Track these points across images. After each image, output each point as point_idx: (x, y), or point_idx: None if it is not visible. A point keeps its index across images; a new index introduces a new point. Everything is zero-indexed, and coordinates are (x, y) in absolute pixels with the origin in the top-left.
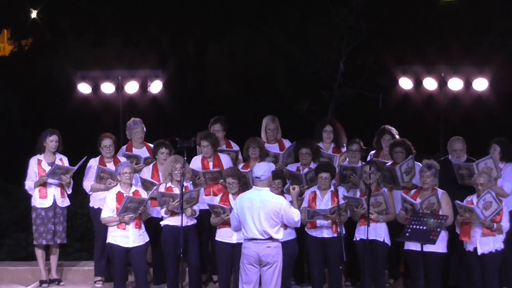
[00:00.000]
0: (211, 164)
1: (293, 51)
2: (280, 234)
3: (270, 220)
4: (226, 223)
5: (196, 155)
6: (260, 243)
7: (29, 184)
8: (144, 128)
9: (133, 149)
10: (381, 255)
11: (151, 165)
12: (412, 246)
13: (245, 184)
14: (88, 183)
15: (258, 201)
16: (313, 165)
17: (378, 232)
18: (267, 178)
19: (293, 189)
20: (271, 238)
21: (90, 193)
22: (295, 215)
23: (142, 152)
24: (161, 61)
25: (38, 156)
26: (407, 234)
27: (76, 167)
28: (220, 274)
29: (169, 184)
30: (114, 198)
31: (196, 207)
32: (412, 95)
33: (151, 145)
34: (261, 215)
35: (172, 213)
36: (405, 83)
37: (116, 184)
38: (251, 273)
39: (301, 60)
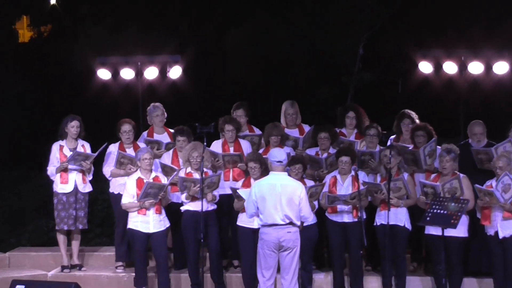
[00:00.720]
0: (231, 149)
1: (313, 36)
2: (299, 220)
3: (291, 204)
4: None
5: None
6: (281, 229)
7: (50, 169)
8: (165, 112)
9: (154, 134)
10: (402, 240)
11: (171, 151)
12: (433, 230)
13: (266, 169)
14: (108, 169)
15: (278, 185)
16: (332, 150)
17: (399, 217)
18: (287, 162)
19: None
20: (291, 223)
21: (110, 178)
22: (309, 208)
23: (163, 137)
24: (181, 46)
25: (60, 142)
26: (428, 219)
27: (96, 154)
28: (243, 259)
29: (188, 170)
30: (134, 184)
31: (216, 192)
32: (431, 79)
33: (172, 131)
34: (283, 200)
35: (192, 198)
36: (425, 67)
37: (136, 170)
38: (271, 259)
39: (321, 44)
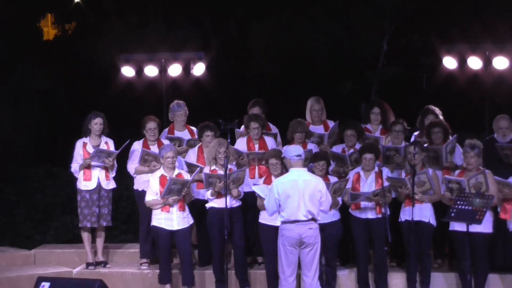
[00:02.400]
0: (256, 146)
1: (336, 31)
2: (319, 215)
3: (313, 199)
4: None
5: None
6: (303, 225)
7: (74, 166)
8: (187, 111)
9: (175, 131)
10: (426, 236)
11: (196, 148)
12: (458, 226)
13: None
14: (132, 166)
15: (301, 181)
16: (358, 146)
17: (423, 212)
18: (305, 157)
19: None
20: (313, 219)
21: (134, 175)
22: (329, 202)
23: (184, 134)
24: (204, 43)
25: (84, 139)
26: (453, 215)
27: (118, 151)
28: (266, 257)
29: (213, 167)
30: (157, 181)
31: (240, 188)
32: (456, 74)
33: (193, 128)
34: (306, 196)
35: (217, 195)
36: (449, 62)
37: (160, 167)
38: (292, 255)
39: (344, 39)
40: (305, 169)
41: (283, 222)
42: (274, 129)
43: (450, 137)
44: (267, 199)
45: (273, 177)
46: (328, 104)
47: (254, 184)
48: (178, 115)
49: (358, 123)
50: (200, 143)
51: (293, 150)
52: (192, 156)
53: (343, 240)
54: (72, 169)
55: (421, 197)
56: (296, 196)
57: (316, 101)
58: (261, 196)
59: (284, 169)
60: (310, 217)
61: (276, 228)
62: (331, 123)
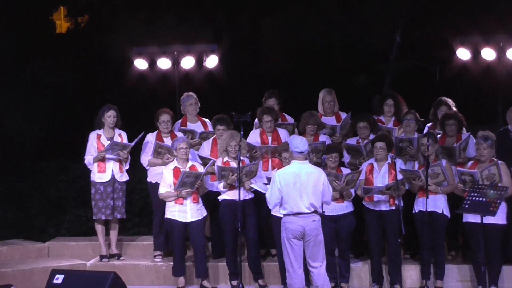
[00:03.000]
0: (270, 139)
1: (348, 24)
2: (321, 208)
3: (316, 191)
4: None
5: (252, 129)
6: (305, 217)
7: (88, 158)
8: (198, 101)
9: (188, 123)
10: (440, 227)
11: (210, 140)
12: (471, 218)
13: None
14: (145, 158)
15: (303, 174)
16: (372, 137)
17: (437, 204)
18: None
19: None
20: (315, 212)
21: (147, 168)
22: (331, 193)
23: (197, 126)
24: (217, 35)
25: (98, 131)
26: (466, 206)
27: (133, 143)
28: (279, 250)
29: (226, 159)
30: (171, 173)
31: (253, 181)
32: (469, 66)
33: (206, 120)
34: (308, 188)
35: (230, 187)
36: (463, 53)
37: (173, 159)
38: (297, 247)
39: (357, 32)
40: (307, 161)
41: (286, 215)
42: (290, 119)
43: (465, 130)
44: (269, 191)
45: None
46: (341, 97)
47: (252, 183)
48: (189, 106)
49: (371, 115)
50: (214, 136)
51: (297, 145)
52: (206, 148)
53: (356, 232)
54: (86, 161)
55: (435, 188)
56: (298, 189)
57: (328, 92)
58: (261, 191)
59: None
60: (312, 209)
61: None
62: (343, 115)
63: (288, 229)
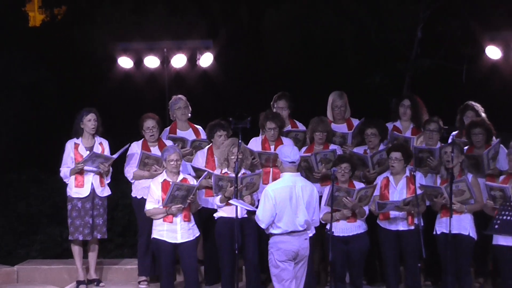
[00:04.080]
0: (272, 148)
1: (363, 17)
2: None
3: (310, 207)
4: None
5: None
6: (299, 236)
7: (64, 171)
8: (189, 106)
9: (177, 130)
10: (466, 251)
11: (205, 149)
12: (502, 240)
13: (308, 169)
14: (130, 170)
15: (298, 188)
16: (382, 147)
17: (462, 224)
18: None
19: None
20: (307, 229)
21: (132, 181)
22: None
23: (188, 134)
24: (212, 30)
25: (75, 140)
26: (496, 227)
27: (116, 155)
28: None
29: (224, 170)
30: (159, 187)
31: (255, 195)
32: (501, 66)
33: (199, 127)
34: (304, 203)
35: (227, 202)
36: (493, 52)
37: (162, 171)
38: (291, 268)
39: (372, 26)
40: (299, 173)
41: (278, 234)
42: (301, 126)
43: (494, 138)
44: (260, 208)
45: None
46: (353, 100)
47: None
48: (178, 110)
49: (381, 121)
50: (210, 144)
51: (288, 154)
52: (200, 159)
53: (370, 255)
54: (62, 174)
55: (459, 207)
56: (294, 204)
57: (339, 96)
58: (245, 208)
59: (308, 171)
60: (306, 226)
61: None
62: (355, 122)
63: (281, 250)
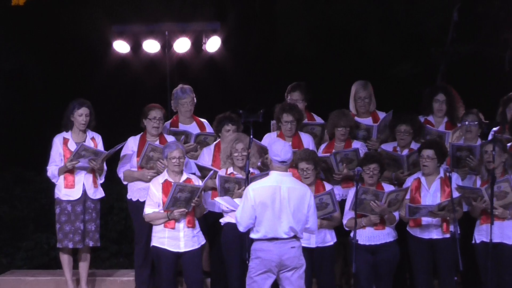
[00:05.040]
0: (289, 144)
1: None
2: (303, 232)
3: (299, 213)
4: None
5: (266, 133)
6: (283, 243)
7: (52, 169)
8: (195, 99)
9: (180, 124)
10: (509, 262)
11: (212, 146)
12: None
13: (328, 170)
14: (122, 169)
15: (284, 189)
16: (414, 145)
17: (505, 232)
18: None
19: None
20: (295, 237)
21: (125, 182)
22: (317, 218)
23: (191, 128)
24: (219, 11)
25: (64, 134)
26: None
27: (109, 152)
28: None
29: (230, 170)
30: (159, 188)
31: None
32: None
33: (204, 120)
34: (289, 208)
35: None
36: None
37: (156, 171)
38: (267, 282)
39: (401, 8)
40: (290, 173)
41: (258, 240)
42: (319, 120)
43: None
44: (239, 209)
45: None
46: (379, 91)
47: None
48: (183, 104)
49: (416, 116)
50: (217, 140)
51: (278, 152)
52: (206, 156)
53: (399, 267)
54: (49, 173)
55: (502, 213)
56: (277, 208)
57: (363, 86)
58: (228, 207)
59: (327, 172)
60: (292, 234)
61: (310, 250)
62: (381, 115)
63: (260, 259)
